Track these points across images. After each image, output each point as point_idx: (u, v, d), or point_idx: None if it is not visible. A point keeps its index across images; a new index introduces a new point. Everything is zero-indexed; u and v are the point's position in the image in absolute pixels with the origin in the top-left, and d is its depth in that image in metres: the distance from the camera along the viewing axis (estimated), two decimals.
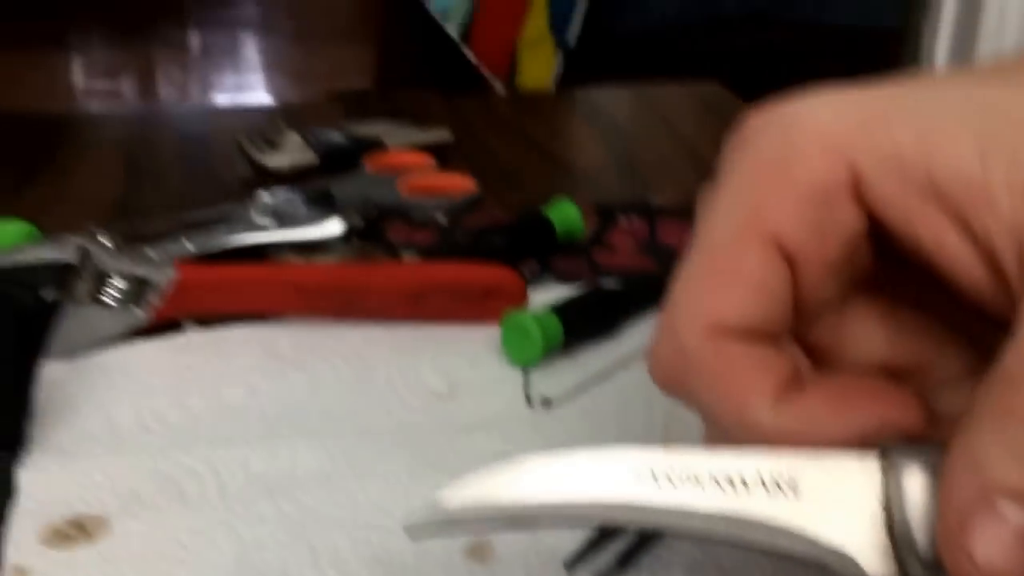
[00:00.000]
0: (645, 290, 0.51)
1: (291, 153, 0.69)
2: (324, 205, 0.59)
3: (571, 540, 0.35)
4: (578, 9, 1.85)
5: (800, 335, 0.25)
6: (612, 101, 0.92)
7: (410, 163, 0.68)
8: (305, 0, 2.04)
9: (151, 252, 0.52)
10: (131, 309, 0.48)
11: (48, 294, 0.46)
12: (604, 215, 0.62)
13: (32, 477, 0.39)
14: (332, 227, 0.56)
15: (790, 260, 0.23)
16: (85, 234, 0.48)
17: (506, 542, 0.35)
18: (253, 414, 0.44)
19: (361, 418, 0.44)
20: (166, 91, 2.01)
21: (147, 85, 2.00)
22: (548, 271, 0.56)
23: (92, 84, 1.99)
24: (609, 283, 0.53)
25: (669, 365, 0.24)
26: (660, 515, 0.22)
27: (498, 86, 1.86)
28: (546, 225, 0.58)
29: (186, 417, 0.44)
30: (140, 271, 0.48)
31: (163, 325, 0.49)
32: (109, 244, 0.48)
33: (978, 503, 0.19)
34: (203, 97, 2.02)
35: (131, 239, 0.50)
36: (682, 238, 0.60)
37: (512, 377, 0.46)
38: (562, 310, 0.48)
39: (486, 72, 1.87)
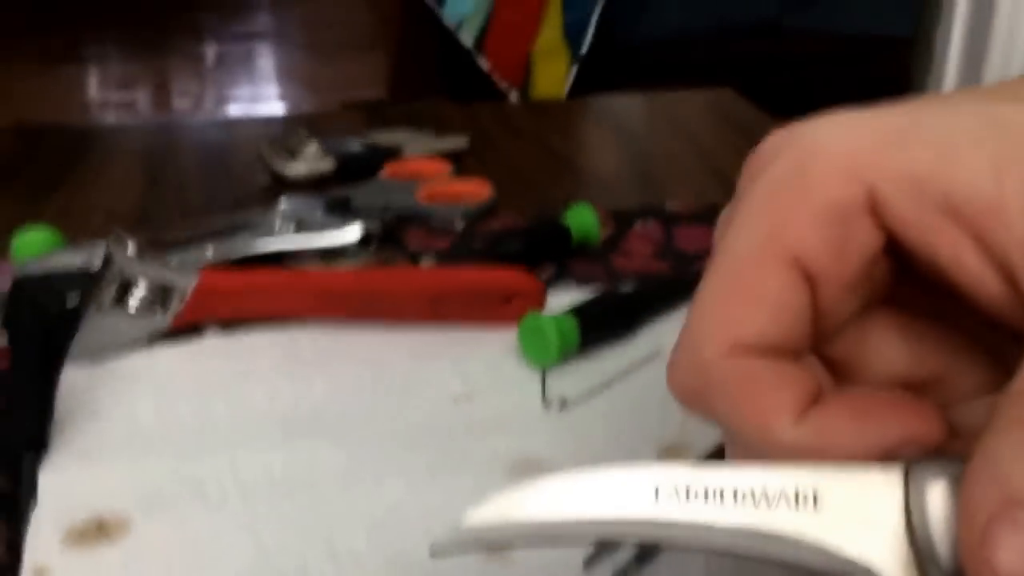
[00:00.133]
0: (661, 292, 0.52)
1: (310, 161, 0.69)
2: (343, 212, 0.60)
3: None
4: (592, 18, 1.86)
5: (820, 350, 0.26)
6: (627, 108, 0.93)
7: (427, 170, 0.69)
8: (319, 11, 2.04)
9: (173, 259, 0.53)
10: (154, 315, 0.49)
11: (72, 300, 0.47)
12: (620, 220, 0.63)
13: (54, 478, 0.40)
14: (351, 233, 0.57)
15: (810, 278, 0.24)
16: (109, 241, 0.49)
17: None
18: (274, 417, 0.44)
19: (380, 420, 0.44)
20: (182, 102, 2.02)
21: (163, 97, 2.02)
22: (564, 275, 0.56)
23: (109, 96, 2.00)
24: (625, 286, 0.54)
25: (690, 381, 0.25)
26: (683, 531, 0.22)
27: (512, 95, 1.87)
28: (562, 230, 0.58)
29: (207, 420, 0.44)
30: (163, 277, 0.49)
31: (185, 330, 0.50)
32: (132, 251, 0.49)
33: (999, 514, 0.19)
34: (218, 108, 2.03)
35: (154, 246, 0.51)
36: (698, 243, 0.61)
37: (529, 379, 0.47)
38: (579, 312, 0.48)
39: (500, 81, 1.87)
